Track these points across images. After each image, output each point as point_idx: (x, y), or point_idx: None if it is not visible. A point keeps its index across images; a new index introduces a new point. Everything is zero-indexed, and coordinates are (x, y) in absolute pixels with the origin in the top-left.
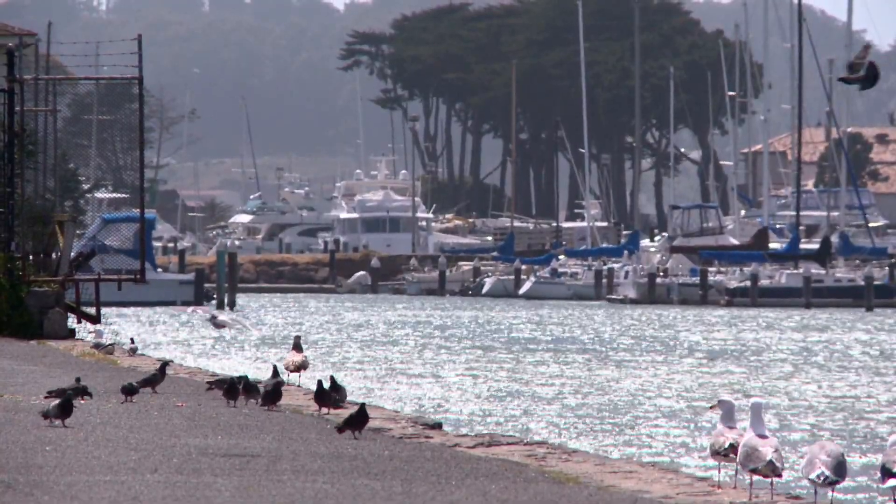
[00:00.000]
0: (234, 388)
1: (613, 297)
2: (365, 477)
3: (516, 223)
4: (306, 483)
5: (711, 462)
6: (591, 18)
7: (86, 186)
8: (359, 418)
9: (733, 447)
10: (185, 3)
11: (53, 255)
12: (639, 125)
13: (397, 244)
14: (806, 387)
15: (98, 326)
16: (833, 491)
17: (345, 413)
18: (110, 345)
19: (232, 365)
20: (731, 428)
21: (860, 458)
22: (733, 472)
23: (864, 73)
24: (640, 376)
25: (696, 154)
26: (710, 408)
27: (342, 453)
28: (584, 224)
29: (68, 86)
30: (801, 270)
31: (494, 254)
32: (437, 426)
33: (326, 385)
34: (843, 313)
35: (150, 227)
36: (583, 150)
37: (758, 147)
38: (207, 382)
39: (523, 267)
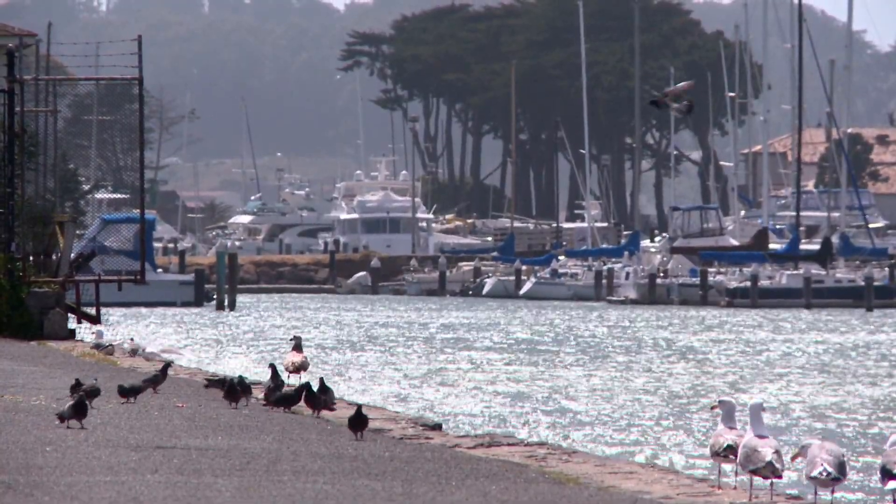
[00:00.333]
0: (235, 389)
1: (614, 297)
2: (365, 477)
3: (516, 224)
4: (307, 483)
5: (712, 463)
6: (591, 19)
7: (86, 187)
8: (358, 421)
9: (732, 448)
10: (185, 3)
11: (54, 256)
12: (639, 126)
13: (397, 245)
14: (806, 387)
15: (98, 327)
16: (833, 492)
17: (332, 414)
18: (110, 345)
19: (231, 366)
20: (731, 428)
21: (859, 459)
22: (733, 473)
23: (686, 107)
24: (640, 376)
25: (696, 155)
26: (711, 408)
27: (342, 454)
28: (585, 225)
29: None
30: (801, 271)
31: (495, 254)
32: (438, 427)
33: (315, 387)
34: (844, 314)
35: (150, 228)
36: (583, 151)
37: (758, 148)
38: (206, 379)
39: (524, 267)
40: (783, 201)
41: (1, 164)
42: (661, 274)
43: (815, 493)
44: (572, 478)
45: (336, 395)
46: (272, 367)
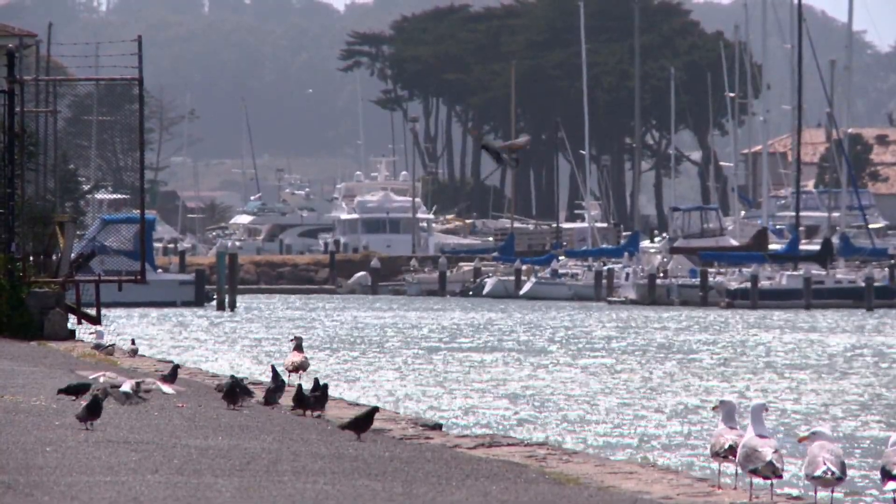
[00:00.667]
0: (234, 391)
1: (613, 298)
2: (366, 478)
3: (516, 224)
4: (307, 484)
5: (712, 463)
6: (591, 19)
7: (86, 187)
8: (364, 421)
9: (732, 448)
10: (185, 3)
11: (54, 256)
12: (639, 126)
13: (397, 245)
14: (805, 387)
15: (98, 327)
16: (833, 492)
17: (332, 415)
18: (110, 345)
19: (235, 364)
20: (732, 428)
21: (858, 459)
22: (734, 473)
23: (514, 161)
24: (640, 376)
25: (696, 155)
26: (713, 408)
27: (343, 454)
28: (585, 225)
29: (68, 87)
30: (801, 272)
31: (495, 254)
32: (438, 427)
33: (310, 388)
34: (844, 314)
35: (150, 228)
36: (583, 152)
37: (757, 148)
38: (217, 384)
39: (524, 267)
40: (783, 201)
41: (1, 165)
42: (661, 274)
43: (815, 493)
44: (572, 478)
45: (336, 395)
46: (273, 367)
